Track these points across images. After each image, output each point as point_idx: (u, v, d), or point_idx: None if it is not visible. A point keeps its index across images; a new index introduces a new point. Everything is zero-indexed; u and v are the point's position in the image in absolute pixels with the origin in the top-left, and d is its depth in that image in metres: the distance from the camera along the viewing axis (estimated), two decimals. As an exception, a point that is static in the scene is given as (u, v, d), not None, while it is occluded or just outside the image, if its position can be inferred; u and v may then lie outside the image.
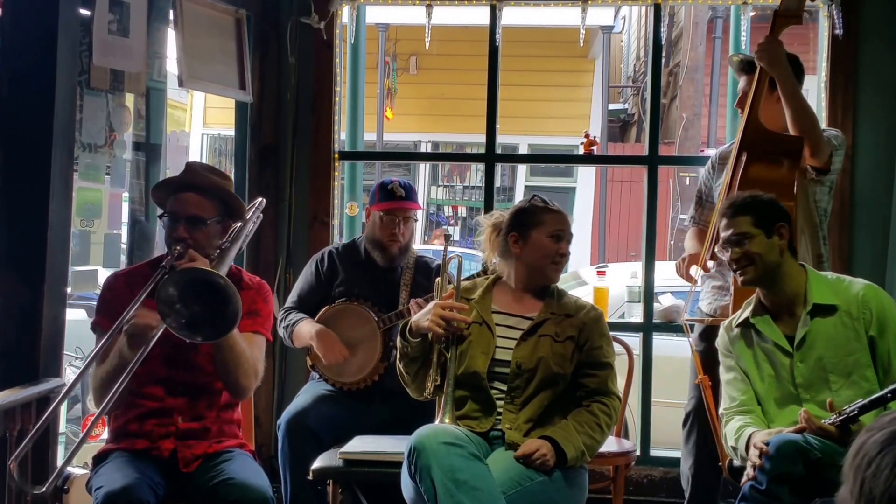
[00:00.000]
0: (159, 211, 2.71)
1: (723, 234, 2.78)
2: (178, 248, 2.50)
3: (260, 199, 2.90)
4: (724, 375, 2.83)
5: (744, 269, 2.74)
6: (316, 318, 3.45)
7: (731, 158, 3.20)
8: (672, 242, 10.68)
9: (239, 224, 2.68)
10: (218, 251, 2.57)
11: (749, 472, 2.49)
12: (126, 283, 2.62)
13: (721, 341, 2.87)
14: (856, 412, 2.42)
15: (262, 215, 2.86)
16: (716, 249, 2.85)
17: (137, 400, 2.58)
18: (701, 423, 3.30)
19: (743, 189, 3.08)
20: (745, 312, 2.82)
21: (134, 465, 2.46)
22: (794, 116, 3.10)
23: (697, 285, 3.41)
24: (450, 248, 3.06)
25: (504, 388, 2.74)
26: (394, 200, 3.47)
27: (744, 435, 2.61)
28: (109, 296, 2.61)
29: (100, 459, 2.57)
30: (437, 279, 3.00)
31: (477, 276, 3.15)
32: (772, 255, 2.72)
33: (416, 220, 3.50)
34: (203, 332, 2.35)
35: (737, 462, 2.71)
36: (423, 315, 2.77)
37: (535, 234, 2.82)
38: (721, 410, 2.81)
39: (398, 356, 2.85)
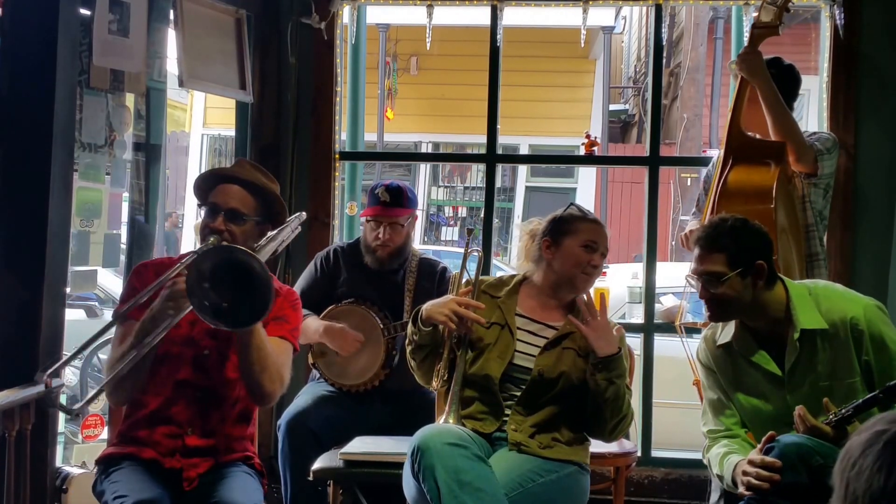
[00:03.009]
0: (196, 201, 2.60)
1: (693, 265, 2.54)
2: (213, 238, 2.42)
3: (300, 213, 2.81)
4: (707, 393, 2.68)
5: (712, 311, 2.54)
6: (321, 316, 3.43)
7: (718, 164, 3.23)
8: (673, 243, 10.67)
9: (276, 231, 2.59)
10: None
11: (742, 490, 2.36)
12: (154, 273, 2.54)
13: (702, 355, 2.69)
14: (850, 412, 2.37)
15: (300, 228, 2.75)
16: (686, 277, 2.63)
17: (147, 398, 2.51)
18: None
19: (725, 193, 3.11)
20: (726, 334, 2.61)
21: (147, 475, 2.41)
22: (773, 123, 3.17)
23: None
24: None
25: (517, 392, 2.73)
26: (377, 206, 3.45)
27: (728, 462, 2.48)
28: (138, 283, 2.54)
29: (109, 464, 2.50)
30: (455, 273, 2.97)
31: None
32: (745, 295, 2.49)
33: (402, 225, 3.44)
34: (227, 319, 2.21)
35: (723, 486, 2.57)
36: (436, 306, 2.73)
37: (568, 241, 2.79)
38: (704, 431, 2.67)
39: (406, 342, 2.82)
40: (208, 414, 2.52)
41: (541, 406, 2.70)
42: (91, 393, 2.45)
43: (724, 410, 2.63)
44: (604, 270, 4.97)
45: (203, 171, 2.90)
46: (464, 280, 2.91)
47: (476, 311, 2.74)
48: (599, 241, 2.81)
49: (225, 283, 2.20)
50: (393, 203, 3.45)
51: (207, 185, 2.59)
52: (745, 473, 2.36)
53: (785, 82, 3.31)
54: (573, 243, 2.79)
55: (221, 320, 2.22)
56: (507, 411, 2.72)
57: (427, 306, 2.75)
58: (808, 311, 2.52)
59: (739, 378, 2.60)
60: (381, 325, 3.39)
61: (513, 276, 2.93)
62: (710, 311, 2.56)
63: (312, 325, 3.38)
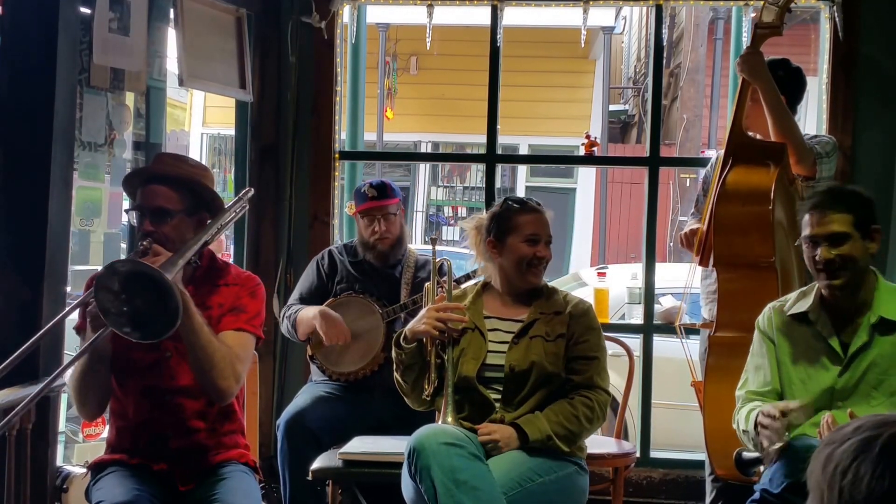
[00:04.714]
0: (126, 205, 2.60)
1: (812, 230, 2.52)
2: (144, 243, 2.37)
3: (246, 189, 2.75)
4: (755, 359, 2.68)
5: (834, 274, 2.50)
6: None
7: (718, 164, 3.24)
8: (672, 244, 10.67)
9: (220, 216, 2.53)
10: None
11: (763, 442, 2.38)
12: None
13: (765, 322, 2.68)
14: None
15: (247, 205, 2.68)
16: (802, 245, 2.59)
17: (123, 407, 2.51)
18: None
19: (723, 194, 3.12)
20: (802, 305, 2.62)
21: (133, 479, 2.41)
22: (774, 124, 3.18)
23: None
24: (443, 249, 3.06)
25: (500, 389, 2.74)
26: (366, 202, 3.53)
27: (753, 414, 2.49)
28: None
29: (98, 470, 2.51)
30: (427, 284, 3.00)
31: (466, 277, 3.25)
32: (863, 260, 2.51)
33: (395, 214, 3.53)
34: (143, 330, 2.16)
35: (747, 442, 2.57)
36: (417, 320, 2.77)
37: (511, 239, 2.80)
38: (739, 392, 2.67)
39: (394, 367, 2.84)
40: (185, 415, 2.50)
41: (523, 400, 2.71)
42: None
43: (768, 377, 2.63)
44: (602, 271, 4.98)
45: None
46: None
47: (455, 311, 2.76)
48: (541, 232, 2.82)
49: (134, 294, 2.15)
50: (380, 196, 3.54)
51: (133, 188, 2.54)
52: (760, 424, 2.40)
53: (791, 85, 3.31)
54: (516, 240, 2.80)
55: (140, 330, 2.17)
56: (497, 409, 2.72)
57: (408, 327, 2.79)
58: (891, 302, 2.56)
59: (799, 349, 2.61)
60: (380, 310, 3.45)
61: (474, 285, 2.97)
62: (832, 273, 2.51)
63: (309, 313, 3.42)
